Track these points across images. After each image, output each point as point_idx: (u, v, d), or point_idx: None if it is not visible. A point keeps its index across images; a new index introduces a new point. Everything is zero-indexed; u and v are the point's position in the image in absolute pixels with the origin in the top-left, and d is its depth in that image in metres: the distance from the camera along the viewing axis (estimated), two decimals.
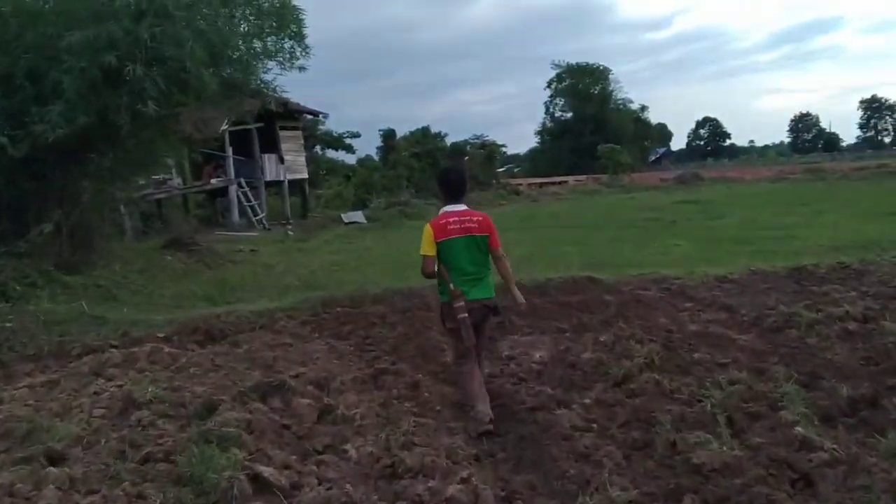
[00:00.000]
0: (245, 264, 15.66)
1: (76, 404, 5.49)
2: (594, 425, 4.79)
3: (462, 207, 5.50)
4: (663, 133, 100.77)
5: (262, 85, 13.07)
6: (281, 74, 12.96)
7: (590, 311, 8.40)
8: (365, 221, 28.19)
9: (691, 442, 4.16)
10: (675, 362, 5.97)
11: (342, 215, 28.98)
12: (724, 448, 4.03)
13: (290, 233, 23.40)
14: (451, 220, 5.40)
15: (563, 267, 11.86)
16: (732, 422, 4.54)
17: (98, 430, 4.88)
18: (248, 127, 23.78)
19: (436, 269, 5.37)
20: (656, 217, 21.88)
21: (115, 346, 7.65)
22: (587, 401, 5.36)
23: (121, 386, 5.94)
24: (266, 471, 3.98)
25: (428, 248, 5.33)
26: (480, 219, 5.49)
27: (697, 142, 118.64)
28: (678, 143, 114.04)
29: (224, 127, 22.54)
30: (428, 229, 5.41)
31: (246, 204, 23.87)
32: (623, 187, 42.48)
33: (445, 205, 5.55)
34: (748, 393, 4.99)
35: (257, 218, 23.92)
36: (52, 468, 4.00)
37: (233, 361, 6.94)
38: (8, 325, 8.59)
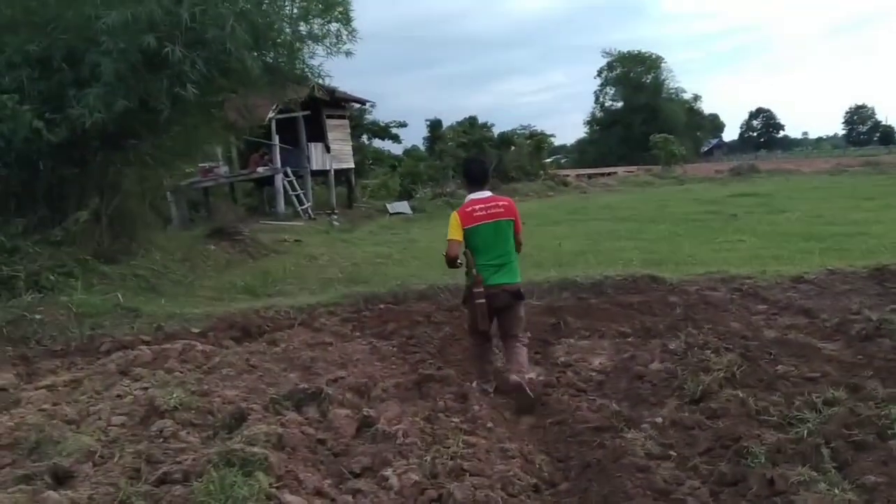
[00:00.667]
0: (289, 255, 15.27)
1: (95, 410, 5.04)
2: (672, 452, 4.14)
3: (487, 194, 5.63)
4: (715, 124, 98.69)
5: (308, 70, 12.56)
6: (327, 59, 12.44)
7: (653, 313, 7.74)
8: (410, 212, 27.72)
9: (792, 480, 3.51)
10: (757, 376, 5.28)
11: (387, 206, 28.56)
12: (836, 490, 3.37)
13: (335, 223, 23.00)
14: (476, 206, 5.52)
15: (620, 263, 11.20)
16: (835, 453, 3.88)
17: (114, 442, 4.44)
18: (295, 115, 23.37)
19: (460, 253, 5.49)
20: (715, 210, 20.94)
21: (147, 343, 7.24)
22: (659, 419, 4.73)
23: (146, 389, 5.49)
24: (294, 501, 3.46)
25: (454, 233, 5.46)
26: (506, 203, 5.65)
27: (750, 133, 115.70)
28: (730, 134, 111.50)
29: (270, 115, 22.19)
30: (455, 216, 5.54)
31: (292, 193, 23.49)
32: (676, 179, 41.38)
33: (470, 193, 5.70)
34: (849, 417, 4.30)
35: (303, 207, 23.52)
36: (52, 492, 3.51)
37: (269, 362, 6.48)
38: (38, 317, 8.25)
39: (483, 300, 5.42)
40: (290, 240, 17.95)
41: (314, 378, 5.86)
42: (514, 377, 5.33)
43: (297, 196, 23.58)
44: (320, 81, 13.14)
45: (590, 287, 8.82)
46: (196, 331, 7.71)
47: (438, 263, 12.90)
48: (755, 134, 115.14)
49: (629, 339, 6.80)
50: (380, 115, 45.15)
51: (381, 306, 8.42)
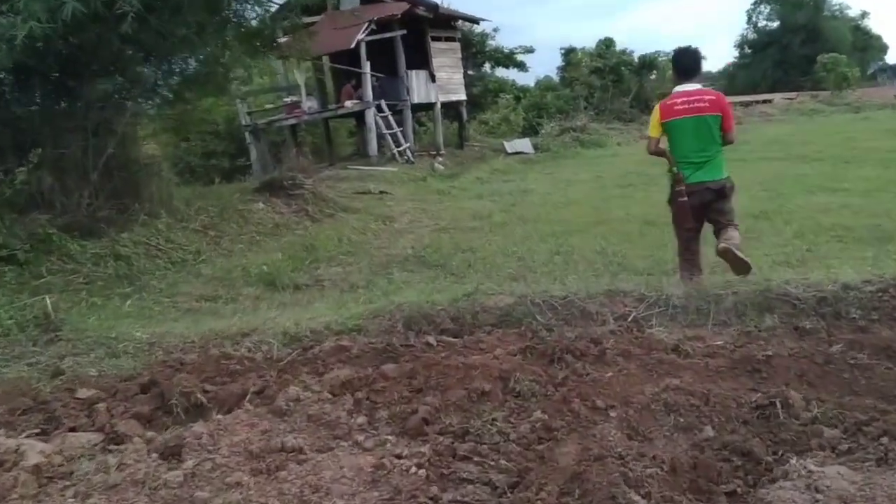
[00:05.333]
0: (360, 215, 11.76)
1: None
2: None
3: (695, 87, 5.50)
4: (878, 45, 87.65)
5: None
6: None
7: None
8: (532, 151, 23.77)
9: None
10: None
11: (505, 144, 24.64)
12: None
13: (438, 166, 19.34)
14: (678, 100, 5.41)
15: (836, 240, 7.12)
16: None
17: None
18: (391, 35, 19.60)
19: (658, 149, 5.57)
20: None
21: None
22: None
23: None
24: None
25: (653, 130, 5.56)
26: (713, 97, 5.46)
27: None
28: (894, 56, 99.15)
29: (360, 36, 18.49)
30: (656, 110, 5.59)
31: (386, 132, 19.69)
32: (850, 105, 35.18)
33: (677, 85, 5.55)
34: None
35: (400, 149, 19.53)
36: None
37: None
38: None
39: (685, 198, 5.40)
40: (375, 191, 14.46)
41: None
42: (721, 244, 5.26)
43: (393, 135, 19.75)
44: None
45: (815, 305, 4.76)
46: (85, 394, 4.28)
47: (552, 231, 9.15)
48: None
49: None
50: (507, 43, 40.67)
51: (427, 341, 4.68)
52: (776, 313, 4.69)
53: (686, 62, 5.64)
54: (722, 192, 5.45)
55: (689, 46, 5.96)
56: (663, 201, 6.00)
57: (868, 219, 8.21)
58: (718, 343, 4.36)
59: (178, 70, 9.29)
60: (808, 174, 12.43)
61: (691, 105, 5.30)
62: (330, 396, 3.88)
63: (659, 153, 5.56)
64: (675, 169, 5.39)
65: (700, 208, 5.44)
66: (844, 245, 7.13)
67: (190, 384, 4.12)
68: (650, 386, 3.87)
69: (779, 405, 3.53)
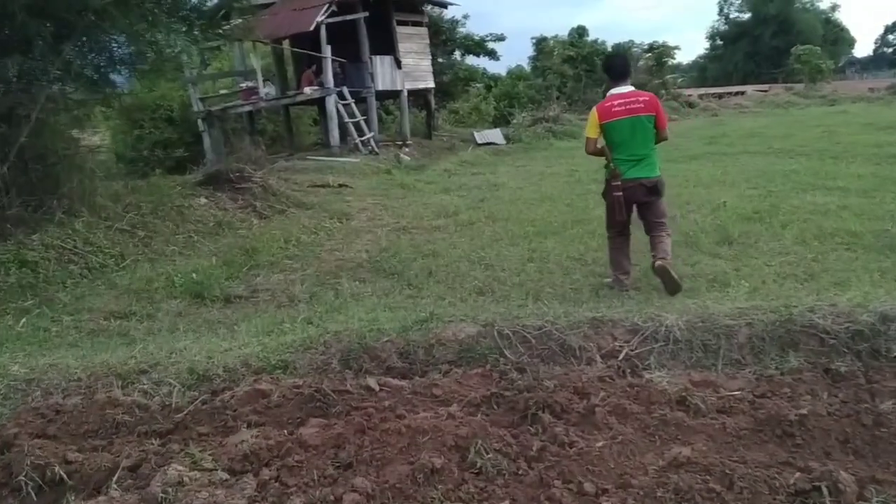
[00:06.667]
0: (314, 211, 10.67)
1: None
2: None
3: (628, 89, 5.70)
4: (847, 38, 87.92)
5: None
6: None
7: None
8: (503, 142, 22.81)
9: None
10: None
11: (475, 134, 23.65)
12: None
13: (404, 157, 18.29)
14: (615, 102, 5.61)
15: (844, 247, 6.32)
16: None
17: None
18: (353, 17, 18.46)
19: (598, 148, 5.74)
20: None
21: None
22: None
23: None
24: None
25: (591, 131, 5.74)
26: (647, 98, 5.69)
27: (885, 49, 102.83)
28: (861, 50, 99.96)
29: (319, 18, 17.34)
30: (593, 113, 5.75)
31: (348, 120, 18.49)
32: (825, 98, 34.63)
33: (611, 88, 5.75)
34: None
35: (363, 139, 18.31)
36: None
37: None
38: None
39: (620, 193, 5.63)
40: (334, 184, 13.40)
41: None
42: (658, 262, 5.47)
43: (356, 124, 18.56)
44: None
45: (848, 340, 3.85)
46: None
47: (524, 232, 8.18)
48: (891, 50, 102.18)
49: None
50: (477, 30, 39.59)
51: (367, 384, 3.70)
52: (801, 350, 3.79)
53: (618, 66, 5.92)
54: (655, 189, 5.69)
55: (619, 52, 6.13)
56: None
57: (873, 223, 7.34)
58: (735, 393, 3.44)
59: (102, 49, 8.18)
60: (796, 170, 11.57)
61: (627, 107, 5.56)
62: (225, 477, 2.89)
63: (598, 153, 5.75)
64: (611, 165, 5.63)
65: (632, 204, 5.70)
66: (854, 254, 6.27)
67: (47, 453, 3.11)
68: (653, 457, 2.95)
69: (825, 491, 2.65)
